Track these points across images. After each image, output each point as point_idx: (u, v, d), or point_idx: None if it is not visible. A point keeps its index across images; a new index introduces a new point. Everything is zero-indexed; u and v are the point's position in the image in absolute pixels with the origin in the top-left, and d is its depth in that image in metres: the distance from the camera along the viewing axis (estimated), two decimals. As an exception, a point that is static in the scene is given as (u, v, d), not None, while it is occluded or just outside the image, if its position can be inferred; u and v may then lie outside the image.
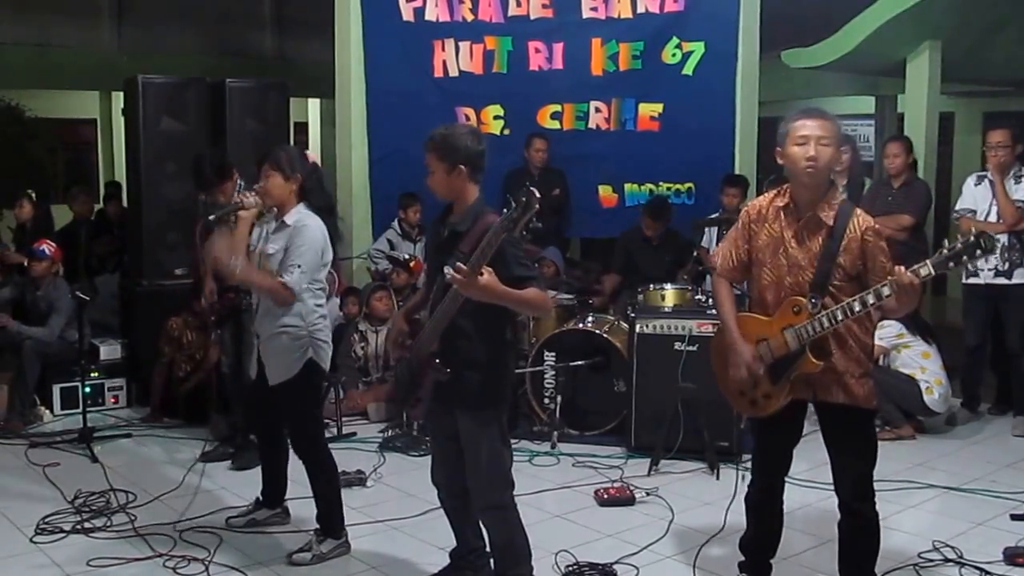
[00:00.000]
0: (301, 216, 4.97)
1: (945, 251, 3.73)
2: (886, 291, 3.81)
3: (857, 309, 3.90)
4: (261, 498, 5.47)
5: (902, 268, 3.80)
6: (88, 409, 7.13)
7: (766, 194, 4.33)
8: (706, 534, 5.11)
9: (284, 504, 5.49)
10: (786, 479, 4.43)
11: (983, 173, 7.33)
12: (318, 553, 4.97)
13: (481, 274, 3.81)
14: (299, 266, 4.84)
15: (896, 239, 7.02)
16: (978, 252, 3.67)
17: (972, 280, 7.30)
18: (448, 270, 3.90)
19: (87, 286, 8.48)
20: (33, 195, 10.04)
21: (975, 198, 7.28)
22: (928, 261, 3.77)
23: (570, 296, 7.79)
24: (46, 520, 5.42)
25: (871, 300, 3.87)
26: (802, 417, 4.26)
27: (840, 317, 3.93)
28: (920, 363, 7.04)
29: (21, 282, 8.11)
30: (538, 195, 3.74)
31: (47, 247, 7.88)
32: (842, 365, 4.06)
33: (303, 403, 5.04)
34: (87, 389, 7.41)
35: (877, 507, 4.19)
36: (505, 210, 3.78)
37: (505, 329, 4.27)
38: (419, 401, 4.30)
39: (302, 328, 4.93)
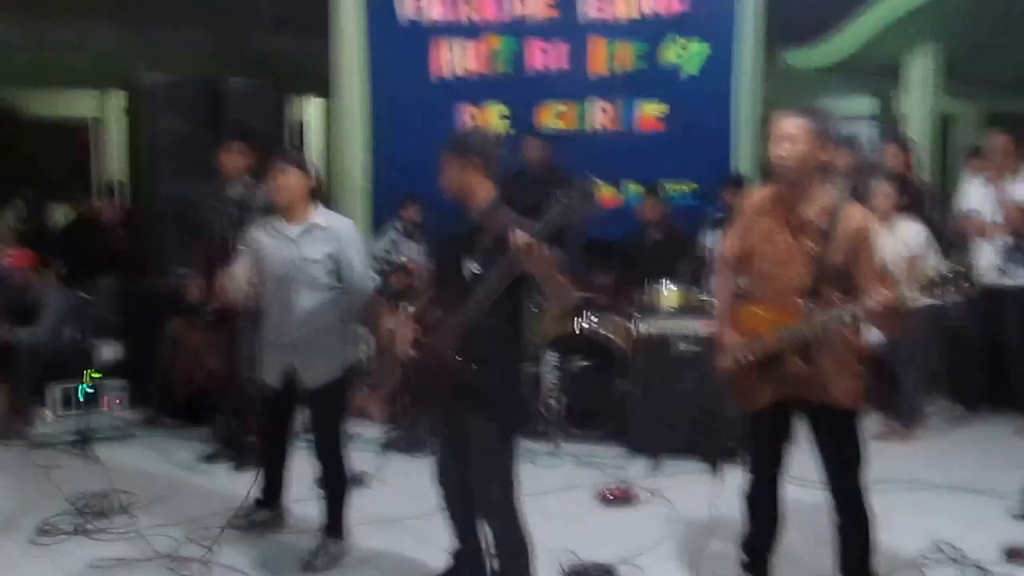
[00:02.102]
0: (332, 218, 4.97)
1: (932, 278, 3.78)
2: (870, 304, 3.87)
3: (847, 321, 3.96)
4: (261, 499, 5.46)
5: (884, 291, 3.86)
6: (89, 410, 7.13)
7: (766, 186, 4.36)
8: (709, 534, 5.10)
9: (283, 505, 5.48)
10: (786, 478, 4.45)
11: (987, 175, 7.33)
12: (332, 555, 4.98)
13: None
14: (367, 266, 4.95)
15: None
16: (965, 284, 3.73)
17: None
18: (515, 234, 3.83)
19: (87, 286, 8.46)
20: (27, 195, 9.99)
21: (980, 199, 7.27)
22: (914, 285, 3.83)
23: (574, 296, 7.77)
24: (47, 522, 5.41)
25: (859, 313, 3.93)
26: (793, 416, 4.29)
27: (829, 326, 3.98)
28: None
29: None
30: (599, 182, 3.74)
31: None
32: (828, 365, 4.09)
33: (339, 405, 5.03)
34: (88, 390, 7.37)
35: (870, 506, 4.23)
36: (564, 200, 3.75)
37: (520, 330, 4.26)
38: (431, 403, 4.27)
39: (344, 335, 4.95)
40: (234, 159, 6.27)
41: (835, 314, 3.97)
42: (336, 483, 5.06)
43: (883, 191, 6.95)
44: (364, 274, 4.97)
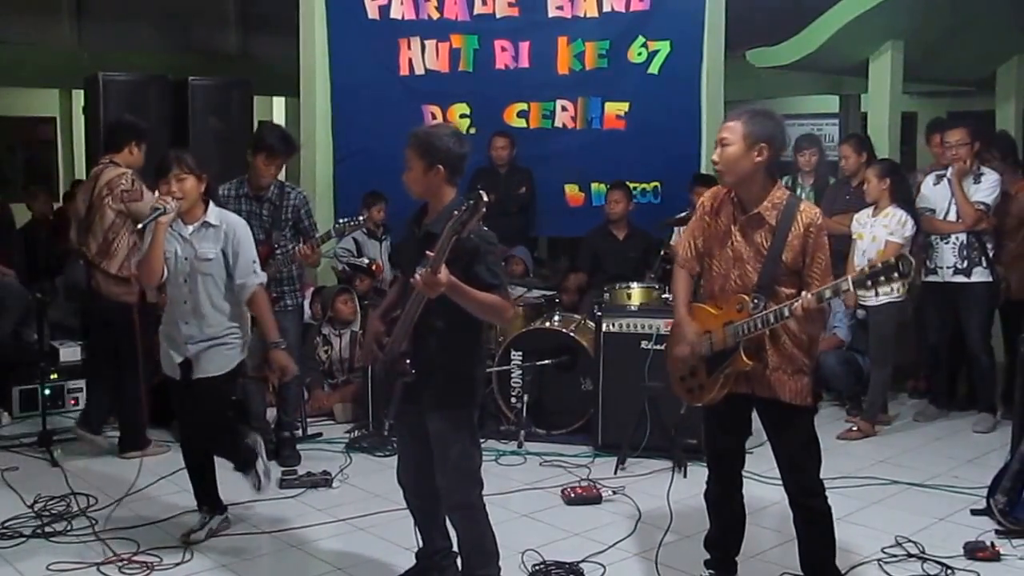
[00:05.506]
0: (223, 215, 5.15)
1: (867, 270, 3.81)
2: (794, 306, 3.92)
3: (787, 315, 3.97)
4: (205, 506, 5.37)
5: (808, 295, 3.91)
6: (48, 412, 7.03)
7: (721, 186, 4.37)
8: (673, 532, 5.10)
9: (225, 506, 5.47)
10: (747, 475, 4.50)
11: (941, 172, 7.32)
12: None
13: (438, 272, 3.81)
14: (255, 261, 5.13)
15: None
16: (895, 275, 3.74)
17: (932, 278, 7.30)
18: (418, 275, 3.87)
19: (47, 286, 8.36)
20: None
21: (934, 197, 7.27)
22: (849, 277, 3.89)
23: (538, 295, 7.77)
24: (5, 525, 5.34)
25: (784, 313, 3.97)
26: (748, 412, 4.33)
27: (772, 320, 4.01)
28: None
29: None
30: (486, 198, 3.72)
31: None
32: (775, 361, 4.13)
33: (222, 398, 5.21)
34: (47, 391, 7.28)
35: (829, 501, 4.26)
36: (456, 212, 3.76)
37: (476, 328, 4.25)
38: (390, 403, 4.28)
39: (241, 329, 5.16)
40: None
41: (764, 315, 4.00)
42: (216, 456, 5.28)
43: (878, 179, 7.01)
44: (249, 268, 5.11)
